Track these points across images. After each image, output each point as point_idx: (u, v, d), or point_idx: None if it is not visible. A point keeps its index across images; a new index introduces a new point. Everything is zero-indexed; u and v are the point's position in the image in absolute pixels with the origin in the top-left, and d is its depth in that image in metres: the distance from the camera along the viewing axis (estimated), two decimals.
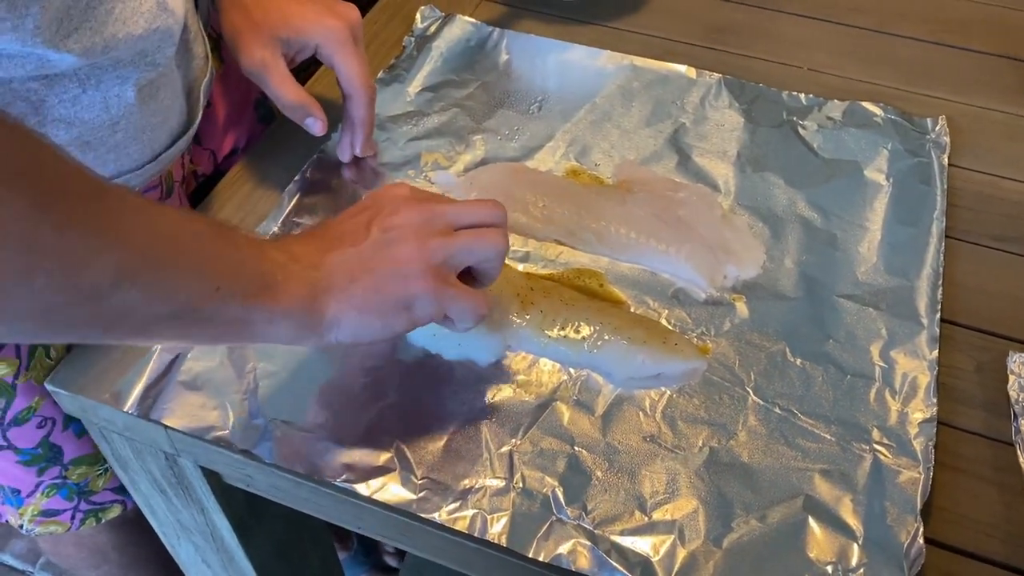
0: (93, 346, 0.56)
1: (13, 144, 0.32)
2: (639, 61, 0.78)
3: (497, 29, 0.82)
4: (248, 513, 0.66)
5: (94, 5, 0.50)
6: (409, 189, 0.51)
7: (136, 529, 0.74)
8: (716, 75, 0.77)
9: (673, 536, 0.48)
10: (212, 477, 0.59)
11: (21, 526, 0.69)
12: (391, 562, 1.27)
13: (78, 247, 0.34)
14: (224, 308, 0.42)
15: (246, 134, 0.78)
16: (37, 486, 0.66)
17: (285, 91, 0.62)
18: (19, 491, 0.66)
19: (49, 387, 0.55)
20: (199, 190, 0.73)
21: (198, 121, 0.64)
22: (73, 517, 0.68)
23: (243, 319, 0.43)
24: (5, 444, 0.62)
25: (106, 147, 0.56)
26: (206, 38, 0.66)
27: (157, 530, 0.71)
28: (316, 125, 0.63)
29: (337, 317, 0.46)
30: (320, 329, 0.46)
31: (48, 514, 0.68)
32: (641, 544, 0.48)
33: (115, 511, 0.70)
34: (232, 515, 0.64)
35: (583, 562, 0.47)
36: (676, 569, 0.47)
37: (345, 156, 0.67)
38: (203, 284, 0.41)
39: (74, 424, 0.64)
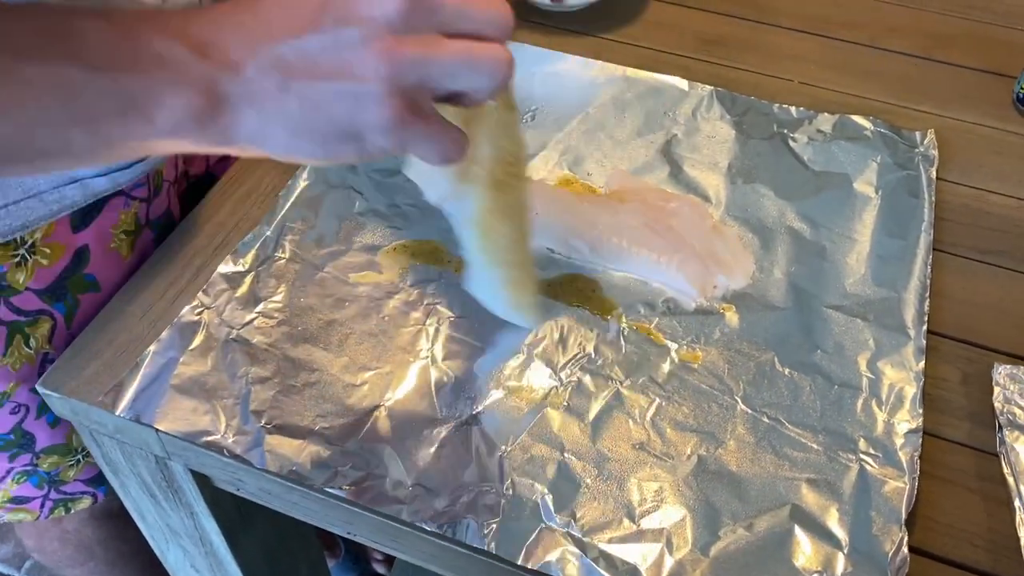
0: (85, 349, 0.57)
1: None
2: (632, 72, 0.79)
3: None
4: (237, 518, 0.66)
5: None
6: None
7: (121, 524, 0.73)
8: (708, 87, 0.77)
9: (661, 544, 0.48)
10: (202, 481, 0.59)
11: None
12: (380, 569, 1.27)
13: None
14: (72, 150, 0.34)
15: None
16: (8, 472, 0.65)
17: None
18: None
19: (40, 389, 0.56)
20: (191, 191, 0.73)
21: None
22: (42, 506, 0.68)
23: (107, 145, 0.35)
24: None
25: None
26: None
27: (145, 534, 0.71)
28: None
29: (255, 133, 0.36)
30: (228, 145, 0.36)
31: (17, 501, 0.68)
32: (629, 552, 0.48)
33: (85, 502, 0.69)
34: (221, 519, 0.64)
35: (571, 569, 0.47)
36: None
37: None
38: (15, 140, 0.32)
39: (48, 413, 0.63)
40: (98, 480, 0.67)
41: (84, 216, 0.58)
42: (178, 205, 0.69)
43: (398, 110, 0.35)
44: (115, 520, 0.73)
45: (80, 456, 0.66)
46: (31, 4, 0.33)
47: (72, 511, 0.69)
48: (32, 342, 0.60)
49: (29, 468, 0.65)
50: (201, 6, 0.38)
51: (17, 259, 0.56)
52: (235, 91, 0.34)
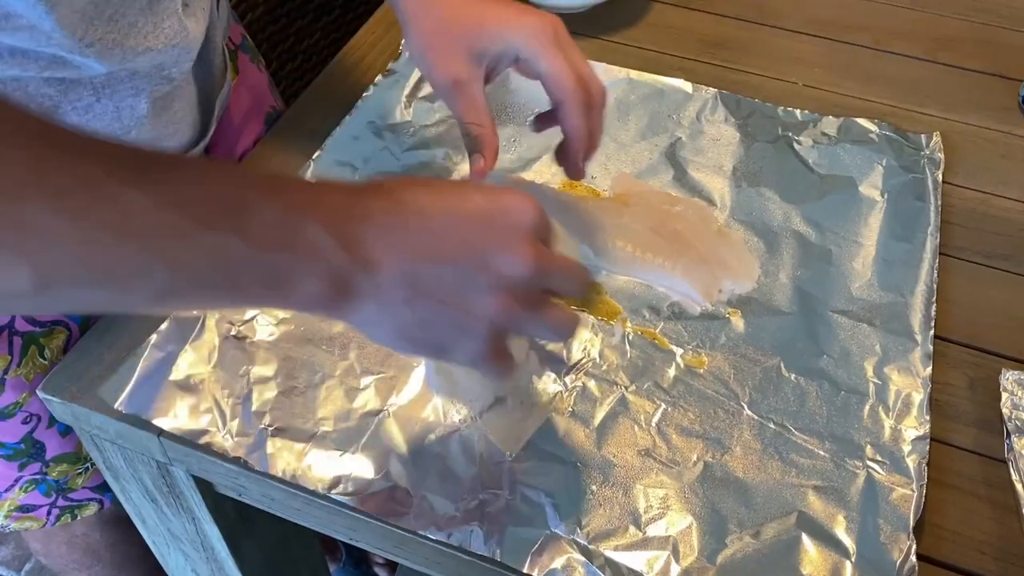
0: (86, 353, 0.56)
1: None
2: (635, 74, 0.79)
3: None
4: (239, 523, 0.65)
5: (116, 18, 0.50)
6: (536, 214, 0.41)
7: (129, 528, 0.73)
8: (712, 89, 0.77)
9: (667, 552, 0.48)
10: (204, 486, 0.59)
11: None
12: (381, 573, 1.27)
13: None
14: (206, 303, 0.37)
15: (256, 136, 0.78)
16: (16, 481, 0.65)
17: (470, 116, 0.55)
18: None
19: (41, 395, 0.55)
20: None
21: (211, 134, 0.64)
22: (49, 513, 0.68)
23: (234, 305, 0.39)
24: None
25: None
26: (226, 51, 0.65)
27: (147, 539, 0.71)
28: (477, 163, 0.55)
29: (365, 323, 0.40)
30: (335, 320, 0.40)
31: (24, 509, 0.68)
32: (635, 560, 0.48)
33: (91, 509, 0.69)
34: (223, 525, 0.64)
35: None
36: None
37: (573, 174, 0.57)
38: (173, 289, 0.34)
39: (60, 423, 0.63)
40: (105, 487, 0.67)
41: None
42: None
43: (490, 346, 0.41)
44: (123, 524, 0.73)
45: (89, 464, 0.66)
46: (215, 166, 0.36)
47: (79, 518, 0.69)
48: (47, 353, 0.59)
49: (38, 477, 0.65)
50: None
51: None
52: (365, 288, 0.38)
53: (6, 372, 0.59)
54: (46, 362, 0.60)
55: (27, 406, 0.61)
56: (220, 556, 0.67)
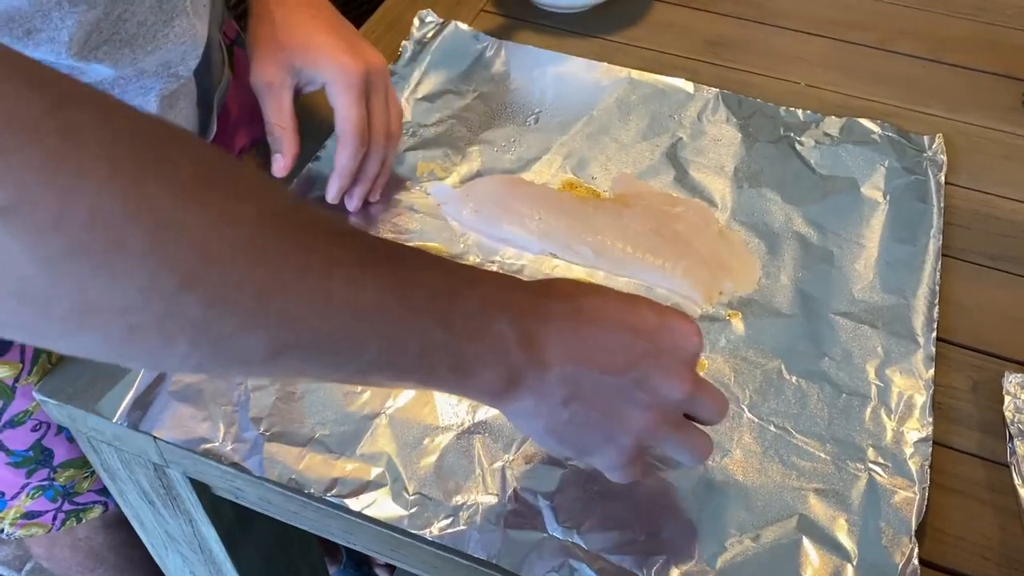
0: (84, 359, 0.56)
1: (158, 212, 0.28)
2: (636, 74, 0.78)
3: (495, 40, 0.82)
4: (237, 525, 0.65)
5: (125, 18, 0.50)
6: (698, 340, 0.44)
7: (132, 528, 0.73)
8: (714, 89, 0.77)
9: (666, 556, 0.48)
10: (201, 488, 0.59)
11: (1, 530, 0.68)
12: (382, 574, 1.26)
13: (227, 323, 0.31)
14: (395, 378, 0.39)
15: (255, 137, 0.78)
16: (23, 488, 0.65)
17: (275, 118, 0.61)
18: (3, 493, 0.65)
19: (37, 396, 0.55)
20: None
21: (213, 130, 0.64)
22: (55, 518, 0.68)
23: (418, 385, 0.42)
24: None
25: None
26: (223, 45, 0.66)
27: (145, 541, 0.71)
28: (277, 163, 0.61)
29: (518, 414, 0.42)
30: (495, 406, 0.42)
31: (30, 516, 0.67)
32: (633, 563, 0.47)
33: (96, 512, 0.69)
34: (220, 527, 0.63)
35: None
36: None
37: (330, 196, 0.63)
38: (379, 364, 0.36)
39: (67, 429, 0.63)
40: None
41: None
42: None
43: (631, 458, 0.44)
44: (126, 526, 0.73)
45: None
46: (426, 255, 0.38)
47: (83, 520, 0.69)
48: (55, 357, 0.59)
49: (45, 483, 0.65)
50: None
51: None
52: (530, 383, 0.40)
53: (17, 380, 0.59)
54: (55, 367, 0.59)
55: (36, 414, 0.61)
56: (218, 558, 0.67)
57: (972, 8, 0.90)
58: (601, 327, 0.41)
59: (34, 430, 0.62)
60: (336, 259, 0.34)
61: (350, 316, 0.34)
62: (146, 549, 0.73)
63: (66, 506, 0.67)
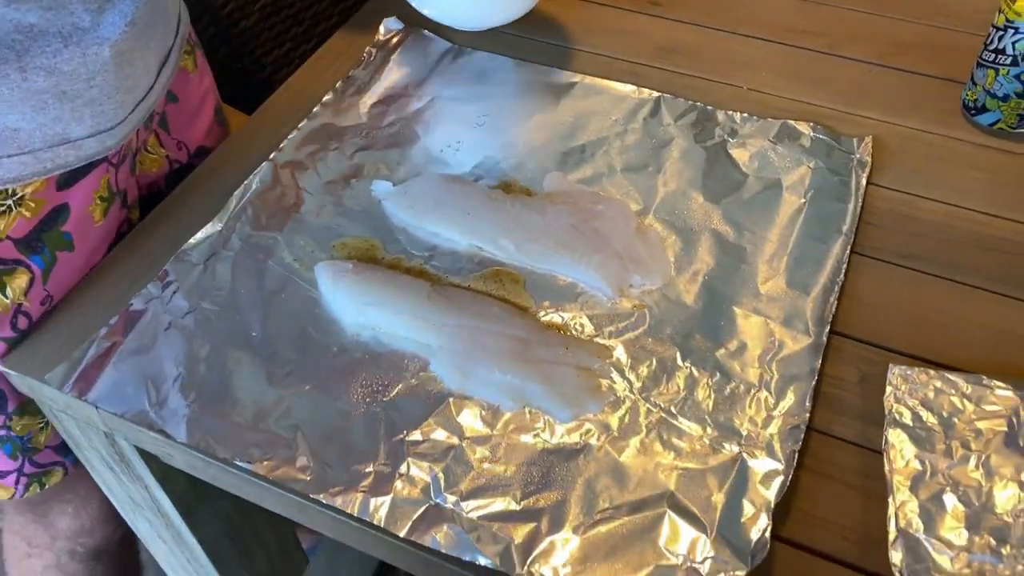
0: (44, 332, 0.62)
1: None
2: (583, 79, 0.82)
3: (455, 46, 0.86)
4: (190, 490, 0.71)
5: None
6: None
7: (114, 562, 0.81)
8: (655, 93, 0.80)
9: (536, 524, 0.52)
10: (149, 456, 0.65)
11: None
12: None
13: None
14: None
15: (208, 131, 0.83)
16: None
17: None
18: None
19: (3, 369, 0.62)
20: (176, 175, 0.79)
21: (166, 80, 0.70)
22: (17, 481, 0.73)
23: None
24: None
25: (83, 100, 0.62)
26: (181, 4, 0.73)
27: (116, 505, 0.77)
28: None
29: None
30: None
31: None
32: (506, 530, 0.52)
33: (57, 476, 0.74)
34: (174, 493, 0.69)
35: (451, 544, 0.51)
36: (534, 554, 0.51)
37: None
38: None
39: None
40: (66, 448, 0.72)
41: (71, 177, 0.64)
42: (135, 182, 0.74)
43: None
44: (108, 557, 0.80)
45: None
46: None
47: (46, 486, 0.75)
48: (8, 292, 0.63)
49: (3, 433, 0.70)
50: None
51: (3, 208, 0.61)
52: None
53: None
54: (8, 301, 0.63)
55: None
56: (175, 522, 0.73)
57: (929, 12, 0.91)
58: None
59: None
60: None
61: None
62: None
63: (27, 467, 0.73)
